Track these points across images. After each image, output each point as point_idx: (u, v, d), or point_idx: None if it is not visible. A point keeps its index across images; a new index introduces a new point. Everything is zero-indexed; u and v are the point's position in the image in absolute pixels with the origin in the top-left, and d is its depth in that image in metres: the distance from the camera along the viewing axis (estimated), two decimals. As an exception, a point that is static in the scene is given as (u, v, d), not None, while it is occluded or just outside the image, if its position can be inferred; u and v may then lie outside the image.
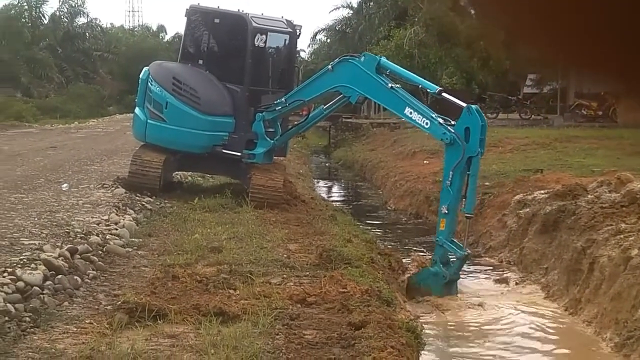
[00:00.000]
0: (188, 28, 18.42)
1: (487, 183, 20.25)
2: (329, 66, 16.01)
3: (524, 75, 49.64)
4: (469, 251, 13.91)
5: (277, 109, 16.82)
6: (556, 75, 44.20)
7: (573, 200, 15.37)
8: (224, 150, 17.16)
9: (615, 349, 10.49)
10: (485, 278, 15.59)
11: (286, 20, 18.11)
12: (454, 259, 13.60)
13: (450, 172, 13.16)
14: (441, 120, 13.63)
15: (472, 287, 14.82)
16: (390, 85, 14.55)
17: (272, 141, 17.11)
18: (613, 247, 12.28)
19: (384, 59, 15.41)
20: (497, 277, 15.39)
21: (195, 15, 18.17)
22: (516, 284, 14.94)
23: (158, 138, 17.36)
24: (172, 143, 17.16)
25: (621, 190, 14.53)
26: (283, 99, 16.75)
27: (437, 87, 14.80)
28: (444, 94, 14.19)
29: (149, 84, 17.54)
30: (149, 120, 17.47)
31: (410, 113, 14.11)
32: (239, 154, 17.13)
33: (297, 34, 18.03)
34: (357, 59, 15.46)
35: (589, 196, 15.21)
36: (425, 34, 42.05)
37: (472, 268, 16.51)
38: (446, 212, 13.33)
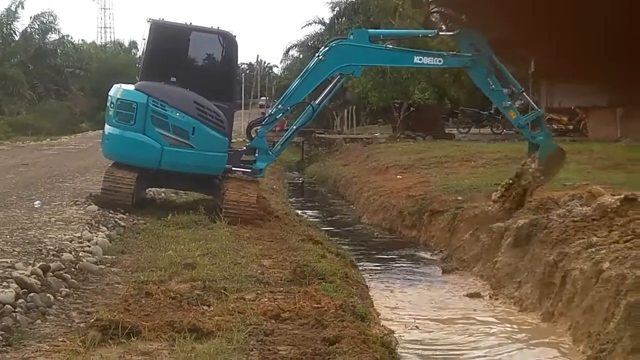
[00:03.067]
0: (153, 44, 17.83)
1: (459, 197, 20.36)
2: (320, 56, 16.48)
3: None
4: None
5: (277, 117, 17.15)
6: (527, 89, 44.56)
7: (545, 214, 15.50)
8: (234, 168, 17.14)
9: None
10: (459, 292, 15.65)
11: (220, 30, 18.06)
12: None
13: (487, 80, 15.99)
14: (451, 54, 16.01)
15: (446, 302, 14.88)
16: (386, 45, 15.65)
17: (273, 155, 17.41)
18: (585, 261, 12.37)
19: (371, 30, 16.67)
20: (471, 292, 15.45)
21: (161, 31, 17.71)
22: (489, 297, 15.01)
23: (180, 164, 16.94)
24: (196, 168, 16.98)
25: (592, 203, 14.66)
26: (280, 106, 17.05)
27: (433, 30, 16.83)
28: (440, 34, 16.95)
29: (158, 108, 16.84)
30: (166, 147, 16.82)
31: (420, 59, 15.79)
32: (249, 170, 17.23)
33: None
34: (347, 39, 16.38)
35: (561, 210, 15.34)
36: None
37: (446, 282, 16.59)
38: (508, 104, 17.02)
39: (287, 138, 17.93)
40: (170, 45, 17.70)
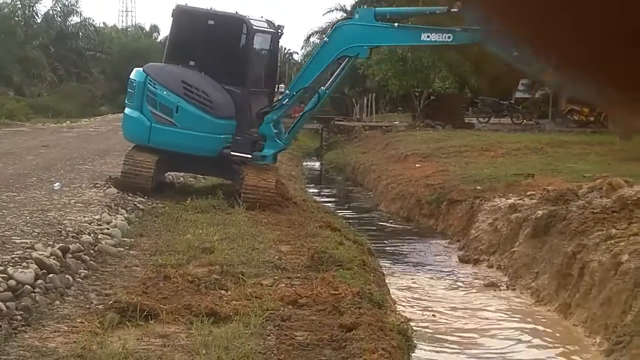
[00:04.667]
0: (176, 28, 18.14)
1: (478, 187, 20.31)
2: (325, 39, 16.12)
3: (516, 80, 49.74)
4: None
5: (284, 103, 16.92)
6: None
7: (564, 205, 15.44)
8: (232, 153, 17.09)
9: (605, 354, 10.53)
10: (476, 282, 15.63)
11: (266, 20, 18.10)
12: None
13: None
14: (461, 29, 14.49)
15: (462, 291, 14.87)
16: (396, 24, 14.87)
17: (283, 142, 17.21)
18: (603, 253, 12.33)
19: (378, 8, 15.81)
20: (488, 282, 15.43)
21: (184, 16, 17.91)
22: (507, 288, 14.99)
23: (165, 142, 17.14)
24: (182, 147, 17.05)
25: (612, 195, 14.60)
26: (287, 92, 16.82)
27: (442, 7, 15.44)
28: (453, 10, 14.81)
29: (151, 86, 17.25)
30: (154, 124, 17.19)
31: (428, 37, 14.66)
32: (249, 156, 17.09)
33: (280, 34, 18.04)
34: (352, 19, 15.77)
35: (580, 201, 15.28)
36: (418, 38, 42.02)
37: (462, 272, 16.58)
38: None
39: (295, 125, 17.91)
40: (191, 30, 17.94)
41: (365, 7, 57.09)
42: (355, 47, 15.76)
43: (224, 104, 17.14)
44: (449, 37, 14.38)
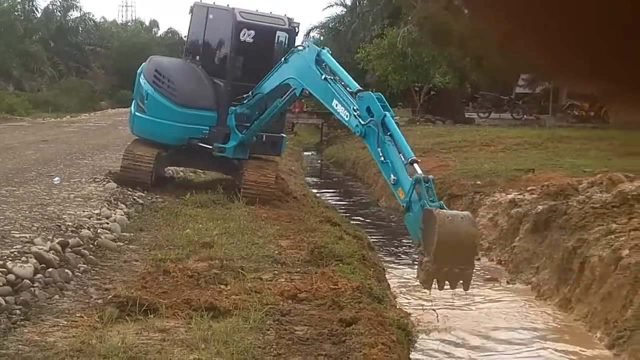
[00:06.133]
0: (191, 25, 18.56)
1: (478, 182, 20.29)
2: (283, 58, 15.58)
3: (516, 75, 49.68)
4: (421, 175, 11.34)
5: (244, 102, 16.70)
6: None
7: (564, 200, 15.41)
8: (199, 144, 17.14)
9: (606, 348, 10.52)
10: (476, 277, 15.61)
11: (287, 18, 17.93)
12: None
13: (378, 149, 12.02)
14: (359, 113, 12.88)
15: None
16: (324, 76, 13.86)
17: (241, 135, 16.95)
18: (604, 247, 12.32)
19: (325, 51, 14.46)
20: (488, 276, 15.42)
21: (196, 12, 18.31)
22: (507, 282, 14.98)
23: (141, 130, 17.74)
24: (151, 135, 17.29)
25: (612, 190, 14.58)
26: (250, 93, 16.58)
27: (356, 85, 13.90)
28: (359, 93, 13.35)
29: (139, 77, 17.80)
30: (136, 113, 17.77)
31: (336, 105, 13.29)
32: (210, 147, 17.10)
33: (295, 31, 17.94)
34: (301, 50, 15.01)
35: (580, 196, 15.25)
36: (418, 33, 41.93)
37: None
38: (394, 178, 11.57)
39: (253, 124, 17.05)
40: (196, 25, 18.31)
41: (365, 2, 57.27)
42: (295, 80, 14.98)
43: (193, 94, 17.23)
44: (346, 116, 13.02)
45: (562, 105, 42.42)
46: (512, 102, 45.84)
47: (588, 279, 12.31)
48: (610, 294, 11.26)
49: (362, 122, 12.27)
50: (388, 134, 12.01)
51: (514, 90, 48.96)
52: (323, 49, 14.58)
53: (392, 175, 11.63)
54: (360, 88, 13.37)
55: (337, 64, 14.32)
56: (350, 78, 13.95)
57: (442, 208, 10.84)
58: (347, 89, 13.28)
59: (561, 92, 43.73)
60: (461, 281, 10.67)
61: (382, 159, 11.86)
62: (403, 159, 11.61)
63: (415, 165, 11.46)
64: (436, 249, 10.12)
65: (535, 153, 25.36)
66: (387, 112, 12.27)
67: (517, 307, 13.41)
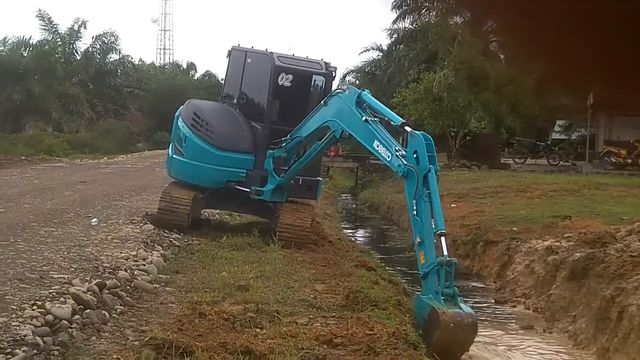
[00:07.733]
0: (229, 68, 18.73)
1: (514, 228, 20.17)
2: (322, 101, 15.60)
3: (552, 121, 49.54)
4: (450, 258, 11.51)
5: (282, 145, 16.76)
6: (585, 121, 44.17)
7: (602, 247, 15.27)
8: (236, 187, 17.22)
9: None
10: (512, 324, 15.47)
11: (324, 62, 18.02)
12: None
13: (413, 201, 11.99)
14: (402, 153, 12.71)
15: (499, 333, 14.71)
16: (364, 117, 13.91)
17: (279, 178, 16.99)
18: (642, 297, 12.17)
19: (365, 92, 14.52)
20: (525, 324, 15.27)
21: (233, 56, 18.43)
22: (543, 331, 14.83)
23: (178, 172, 17.82)
24: (189, 177, 17.40)
25: (651, 239, 14.44)
26: (288, 136, 16.69)
27: (400, 119, 13.92)
28: (405, 127, 13.38)
29: (177, 120, 17.90)
30: (173, 156, 17.85)
31: (377, 146, 13.27)
32: (248, 190, 17.14)
33: (332, 75, 18.04)
34: (342, 92, 15.06)
35: (618, 244, 15.11)
36: (454, 78, 42.03)
37: (499, 314, 16.42)
38: (420, 241, 11.71)
39: (292, 166, 17.01)
40: (234, 68, 18.41)
41: (401, 47, 57.47)
42: (335, 123, 14.93)
43: (231, 137, 17.32)
44: (388, 157, 13.00)
45: (599, 152, 42.19)
46: (549, 148, 45.68)
47: (626, 328, 12.16)
48: (649, 344, 11.11)
49: (405, 162, 12.26)
50: (427, 192, 11.96)
51: (550, 136, 48.84)
52: (363, 90, 14.64)
53: (419, 237, 11.78)
54: (405, 122, 13.49)
55: (378, 102, 14.47)
56: (393, 113, 14.12)
57: (453, 297, 11.11)
58: (391, 123, 13.46)
59: (598, 138, 43.55)
60: None
61: (415, 213, 11.92)
62: (433, 226, 11.65)
63: (442, 239, 11.55)
64: (432, 348, 10.54)
65: (572, 200, 25.16)
66: (432, 166, 12.21)
67: (554, 356, 13.25)
